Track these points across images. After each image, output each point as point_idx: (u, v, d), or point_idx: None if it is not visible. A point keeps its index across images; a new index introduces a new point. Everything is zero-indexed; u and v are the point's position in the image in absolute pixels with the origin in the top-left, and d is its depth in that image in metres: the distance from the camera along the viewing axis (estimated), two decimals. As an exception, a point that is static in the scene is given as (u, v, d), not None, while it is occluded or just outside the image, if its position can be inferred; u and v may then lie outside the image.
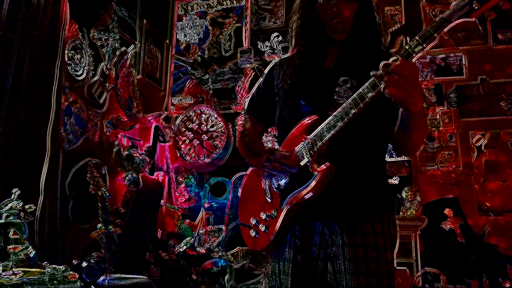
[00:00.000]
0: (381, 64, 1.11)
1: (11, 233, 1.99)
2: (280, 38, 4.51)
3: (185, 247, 3.93)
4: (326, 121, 1.27)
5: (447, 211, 3.68)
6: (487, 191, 3.66)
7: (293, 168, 1.34)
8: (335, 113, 1.24)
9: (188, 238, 4.15)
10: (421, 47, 1.10)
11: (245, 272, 3.50)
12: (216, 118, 4.49)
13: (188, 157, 4.46)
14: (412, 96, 1.11)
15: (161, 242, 4.08)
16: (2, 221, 2.02)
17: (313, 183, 1.26)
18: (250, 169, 1.61)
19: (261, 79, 1.69)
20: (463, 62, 3.91)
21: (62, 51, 3.09)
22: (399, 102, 1.12)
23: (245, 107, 1.79)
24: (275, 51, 4.50)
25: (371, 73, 1.14)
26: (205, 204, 4.32)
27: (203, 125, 4.51)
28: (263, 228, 1.42)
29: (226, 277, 3.40)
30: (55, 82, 3.00)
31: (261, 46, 4.56)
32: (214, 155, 4.36)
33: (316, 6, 1.41)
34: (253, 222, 1.47)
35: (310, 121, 1.33)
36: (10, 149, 2.64)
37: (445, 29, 1.09)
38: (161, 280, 3.55)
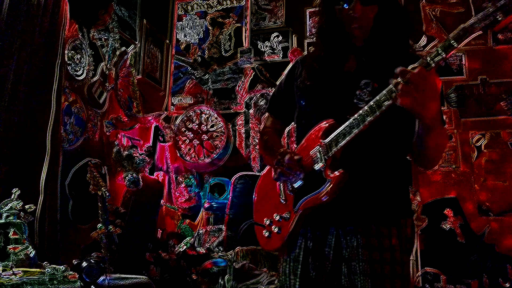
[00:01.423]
0: (398, 70, 1.07)
1: (11, 233, 1.99)
2: (280, 38, 4.51)
3: (185, 247, 3.93)
4: (342, 127, 1.25)
5: (447, 211, 3.68)
6: (487, 191, 3.66)
7: (300, 175, 1.33)
8: (351, 119, 1.22)
9: (188, 238, 4.15)
10: (440, 57, 1.07)
11: (245, 272, 3.50)
12: (216, 118, 4.49)
13: (188, 157, 4.46)
14: (425, 108, 1.08)
15: (161, 242, 4.08)
16: (2, 221, 2.02)
17: (326, 189, 1.26)
18: (266, 168, 1.61)
19: (283, 76, 1.66)
20: (463, 62, 3.91)
21: (62, 51, 3.09)
22: (411, 112, 1.10)
23: (267, 105, 1.80)
24: (275, 51, 4.50)
25: (390, 81, 1.11)
26: (205, 204, 4.32)
27: (203, 125, 4.51)
28: (275, 230, 1.43)
29: (226, 277, 3.40)
30: (55, 82, 3.00)
31: (261, 46, 4.56)
32: (214, 155, 4.36)
33: (336, 10, 1.38)
34: (267, 222, 1.48)
35: (327, 125, 1.31)
36: (10, 149, 2.64)
37: (466, 40, 1.07)
38: (161, 280, 3.55)
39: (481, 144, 3.75)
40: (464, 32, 1.06)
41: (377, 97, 1.16)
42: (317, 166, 1.30)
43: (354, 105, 1.31)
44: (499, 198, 3.61)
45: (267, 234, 1.47)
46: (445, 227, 3.66)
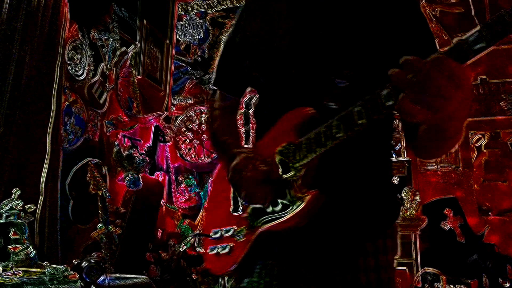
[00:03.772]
0: (403, 60, 0.63)
1: (11, 233, 1.99)
2: (280, 38, 4.50)
3: (185, 247, 3.93)
4: (324, 126, 0.84)
5: (447, 211, 3.68)
6: (487, 191, 3.66)
7: (268, 195, 0.93)
8: (336, 118, 0.81)
9: (188, 238, 4.15)
10: (484, 45, 0.67)
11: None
12: (216, 118, 4.49)
13: (188, 157, 4.46)
14: (452, 121, 0.67)
15: (161, 242, 4.08)
16: (3, 221, 2.03)
17: (291, 214, 0.88)
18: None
19: (230, 31, 1.17)
20: (463, 62, 3.91)
21: (62, 51, 3.10)
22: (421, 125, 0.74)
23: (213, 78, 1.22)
24: (275, 51, 4.50)
25: (389, 72, 0.65)
26: (205, 204, 4.32)
27: (203, 125, 4.50)
28: (225, 250, 1.02)
29: (226, 277, 3.40)
30: (55, 82, 3.00)
31: (261, 46, 4.56)
32: (214, 155, 4.36)
33: None
34: (216, 235, 1.06)
35: (303, 116, 0.91)
36: (10, 150, 2.64)
37: None
38: (161, 280, 3.55)
39: (481, 144, 3.75)
40: None
41: (376, 92, 0.73)
42: (286, 175, 0.92)
43: (333, 84, 0.89)
44: (499, 198, 3.61)
45: (214, 252, 1.05)
46: (445, 227, 3.66)
